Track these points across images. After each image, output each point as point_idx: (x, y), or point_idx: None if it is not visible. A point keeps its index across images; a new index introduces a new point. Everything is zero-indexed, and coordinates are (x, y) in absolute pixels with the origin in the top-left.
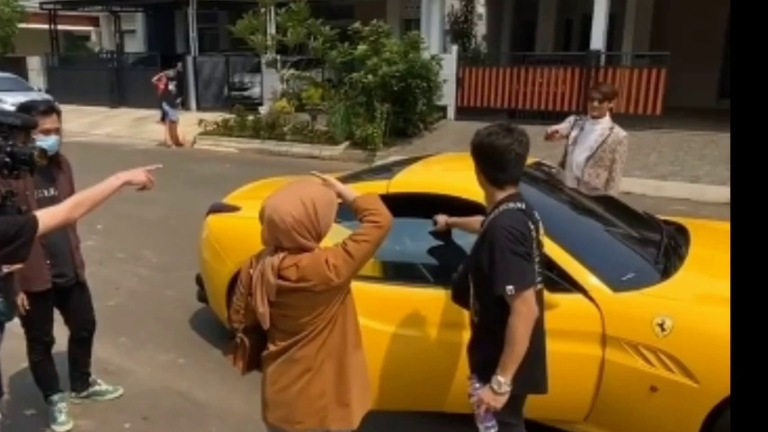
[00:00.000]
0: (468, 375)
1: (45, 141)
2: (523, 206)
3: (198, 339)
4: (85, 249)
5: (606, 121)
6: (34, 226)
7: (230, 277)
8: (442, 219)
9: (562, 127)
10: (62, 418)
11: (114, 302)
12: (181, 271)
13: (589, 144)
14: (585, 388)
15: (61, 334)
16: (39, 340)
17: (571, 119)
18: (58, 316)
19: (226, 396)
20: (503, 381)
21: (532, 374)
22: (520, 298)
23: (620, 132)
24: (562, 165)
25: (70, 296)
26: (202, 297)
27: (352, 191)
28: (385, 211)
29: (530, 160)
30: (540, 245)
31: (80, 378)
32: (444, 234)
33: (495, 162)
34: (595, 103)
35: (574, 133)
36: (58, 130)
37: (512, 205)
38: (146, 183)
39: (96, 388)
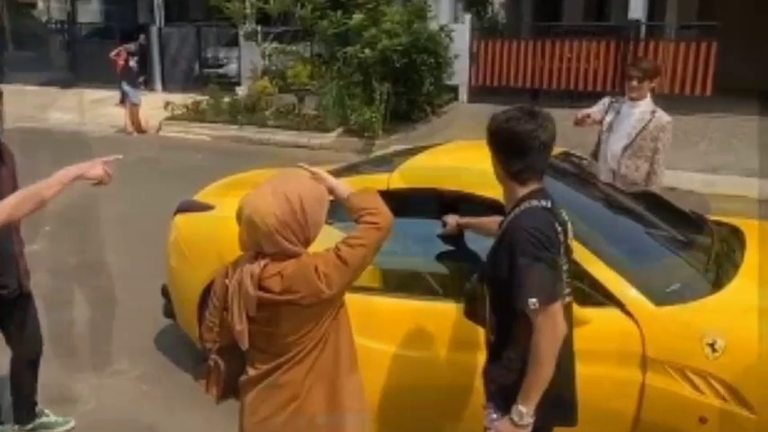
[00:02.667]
0: (484, 404)
1: None
2: (549, 204)
3: (164, 361)
4: (31, 255)
5: (647, 103)
6: None
7: (202, 288)
8: (452, 219)
9: (594, 111)
10: None
11: (65, 318)
12: (144, 281)
13: (626, 131)
14: (623, 418)
15: (2, 356)
16: None
17: (605, 101)
18: None
19: (197, 428)
20: (524, 411)
21: (560, 403)
22: (544, 313)
23: (663, 117)
24: (595, 155)
25: (13, 310)
26: (169, 311)
27: (346, 186)
28: (385, 210)
29: (556, 150)
30: (568, 250)
31: (24, 407)
32: (455, 237)
33: (515, 152)
34: (634, 83)
35: (608, 118)
36: None
37: (535, 203)
38: (102, 177)
39: (44, 420)
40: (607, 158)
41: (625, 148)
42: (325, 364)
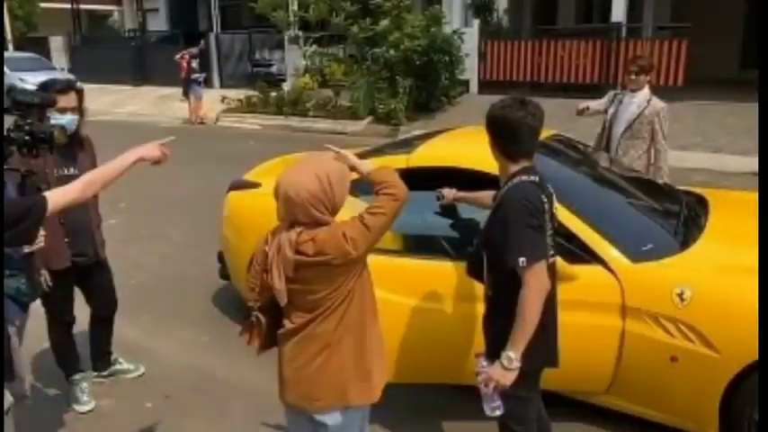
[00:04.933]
0: (476, 354)
1: (60, 119)
2: (537, 179)
3: (221, 317)
4: (108, 228)
5: (644, 93)
6: (42, 207)
7: (251, 254)
8: (448, 193)
9: (594, 103)
10: (84, 398)
11: (136, 281)
12: (203, 248)
13: (627, 118)
14: (606, 359)
15: (83, 314)
16: (59, 320)
17: (611, 94)
18: (78, 295)
19: (249, 374)
20: (513, 356)
21: (544, 348)
22: (531, 270)
23: (657, 103)
24: (598, 144)
25: (91, 275)
26: (224, 274)
27: (367, 164)
28: (400, 184)
29: (547, 132)
30: (552, 218)
31: (102, 357)
32: (449, 209)
33: (508, 135)
34: (632, 76)
35: (612, 109)
36: (75, 109)
37: (525, 178)
38: (160, 157)
39: (118, 367)
40: (610, 145)
41: (624, 132)
42: (352, 316)
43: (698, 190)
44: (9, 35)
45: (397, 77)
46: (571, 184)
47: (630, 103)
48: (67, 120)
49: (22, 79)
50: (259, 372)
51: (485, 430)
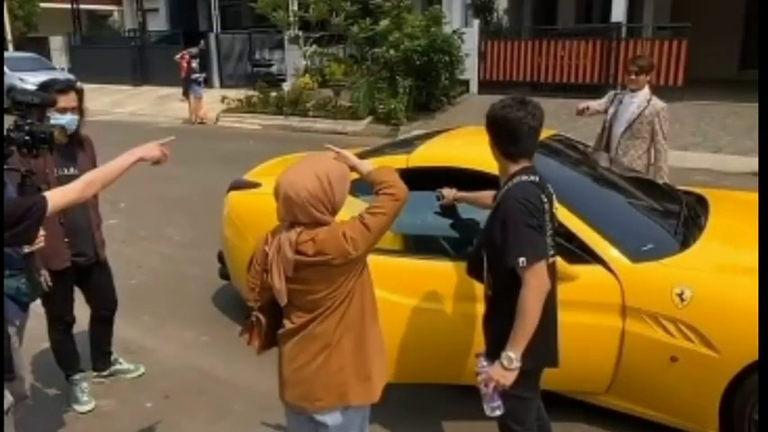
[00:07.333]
0: (476, 353)
1: (60, 119)
2: (537, 179)
3: (221, 316)
4: (108, 228)
5: (645, 93)
6: (42, 207)
7: (251, 254)
8: (448, 193)
9: (594, 103)
10: (84, 398)
11: (136, 281)
12: (203, 248)
13: (627, 117)
14: (606, 359)
15: (83, 313)
16: (59, 320)
17: (611, 94)
18: (78, 295)
19: (250, 373)
20: (513, 356)
21: (544, 348)
22: (531, 270)
23: (658, 103)
24: (598, 144)
25: (90, 275)
26: (224, 274)
27: (367, 164)
28: (400, 184)
29: (547, 132)
30: (552, 218)
31: (102, 357)
32: (449, 209)
33: (508, 135)
34: (632, 76)
35: (612, 109)
36: (75, 109)
37: (525, 178)
38: (160, 157)
39: (118, 367)
40: (610, 145)
41: (624, 132)
42: (353, 316)
43: (698, 190)
44: (9, 35)
45: (397, 77)
46: (571, 184)
47: (630, 103)
48: (67, 120)
49: (22, 79)
50: (259, 372)
51: (485, 430)
